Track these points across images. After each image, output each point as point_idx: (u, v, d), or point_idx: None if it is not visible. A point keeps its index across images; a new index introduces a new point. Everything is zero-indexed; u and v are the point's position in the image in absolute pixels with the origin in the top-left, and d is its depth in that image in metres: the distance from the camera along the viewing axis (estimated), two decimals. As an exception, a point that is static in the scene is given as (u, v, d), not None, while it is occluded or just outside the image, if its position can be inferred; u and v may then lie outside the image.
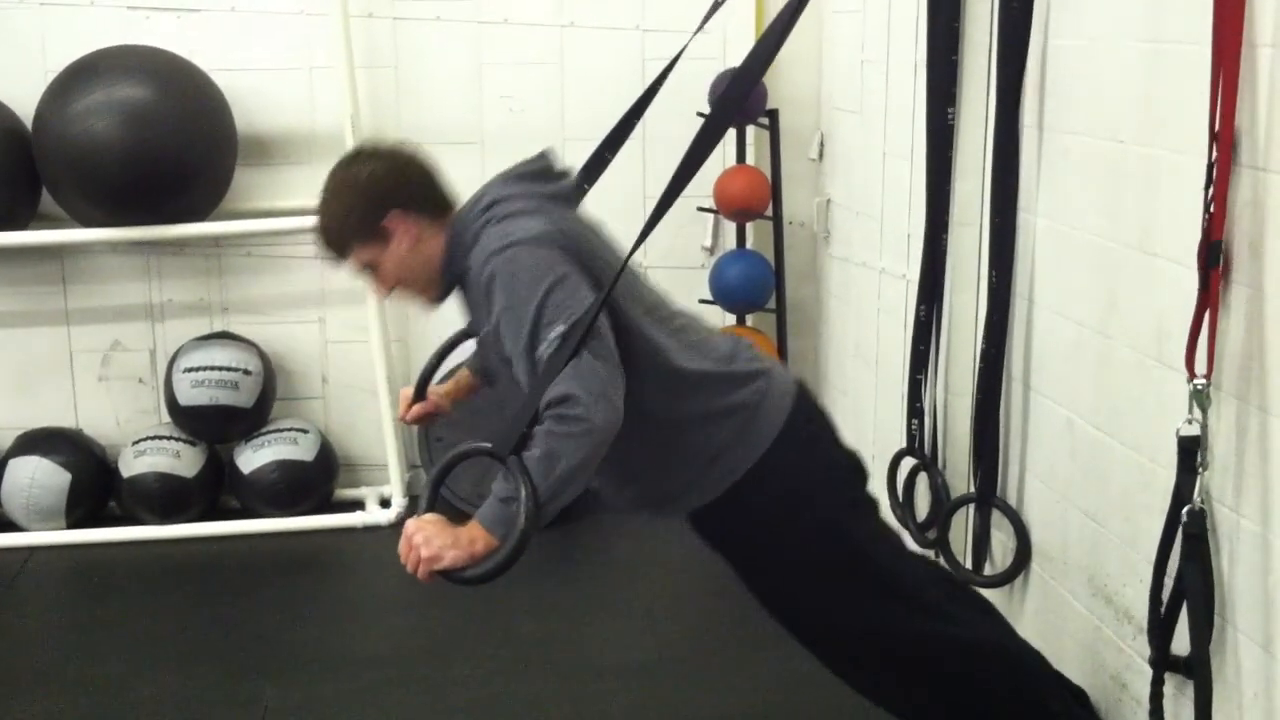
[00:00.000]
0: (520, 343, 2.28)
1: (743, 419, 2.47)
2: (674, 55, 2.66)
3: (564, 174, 2.56)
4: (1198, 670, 2.34)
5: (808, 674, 3.33)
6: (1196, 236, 2.30)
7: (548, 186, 2.50)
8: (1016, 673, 2.68)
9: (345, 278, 4.43)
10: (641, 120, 2.71)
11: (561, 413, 2.20)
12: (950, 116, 3.34)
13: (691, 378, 2.45)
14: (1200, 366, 2.31)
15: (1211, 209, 2.25)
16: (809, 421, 2.57)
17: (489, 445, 2.26)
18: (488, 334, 2.41)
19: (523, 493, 2.16)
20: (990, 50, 3.21)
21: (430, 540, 2.21)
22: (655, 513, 2.65)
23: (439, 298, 2.57)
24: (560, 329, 2.25)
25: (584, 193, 2.61)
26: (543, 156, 2.56)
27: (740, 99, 2.42)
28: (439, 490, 2.40)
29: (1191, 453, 2.35)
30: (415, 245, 2.49)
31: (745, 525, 2.55)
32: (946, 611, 2.64)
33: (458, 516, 2.25)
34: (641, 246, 2.37)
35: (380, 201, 2.47)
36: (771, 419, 2.49)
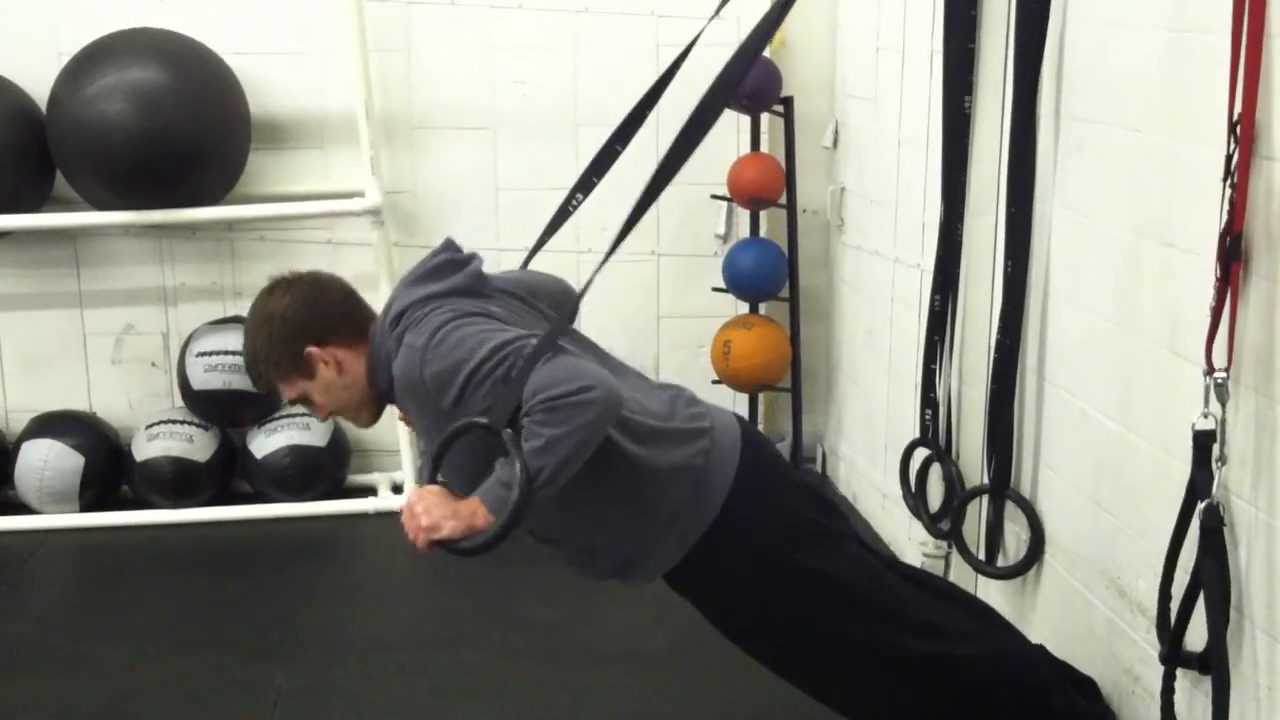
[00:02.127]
0: (493, 392, 2.29)
1: (691, 481, 2.46)
2: (688, 42, 2.64)
3: (470, 259, 2.54)
4: (1215, 666, 2.32)
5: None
6: (1214, 228, 2.28)
7: (455, 279, 2.48)
8: (1016, 678, 2.67)
9: (359, 262, 4.48)
10: (655, 108, 2.69)
11: (553, 392, 2.22)
12: (966, 105, 3.32)
13: (653, 429, 2.45)
14: (1219, 359, 2.29)
15: (1232, 201, 2.23)
16: (759, 470, 2.55)
17: (485, 420, 2.29)
18: (440, 442, 2.39)
19: (517, 468, 2.19)
20: (1007, 38, 3.19)
21: (430, 510, 2.27)
22: (625, 578, 2.64)
23: (375, 417, 2.61)
24: (530, 348, 2.28)
25: (593, 186, 2.60)
26: (446, 246, 2.55)
27: (730, 88, 2.38)
28: (440, 463, 2.42)
29: (1207, 447, 2.33)
30: (339, 374, 2.52)
31: (715, 584, 2.56)
32: (938, 627, 2.63)
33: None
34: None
35: (295, 337, 2.50)
36: (720, 477, 2.48)
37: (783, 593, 2.52)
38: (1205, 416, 2.32)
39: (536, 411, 2.22)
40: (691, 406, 2.56)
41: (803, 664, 2.62)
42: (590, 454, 2.29)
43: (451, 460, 2.38)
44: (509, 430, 2.23)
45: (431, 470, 2.43)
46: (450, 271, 2.49)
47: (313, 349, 2.49)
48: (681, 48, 2.66)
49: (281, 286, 2.57)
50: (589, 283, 2.32)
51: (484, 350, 2.31)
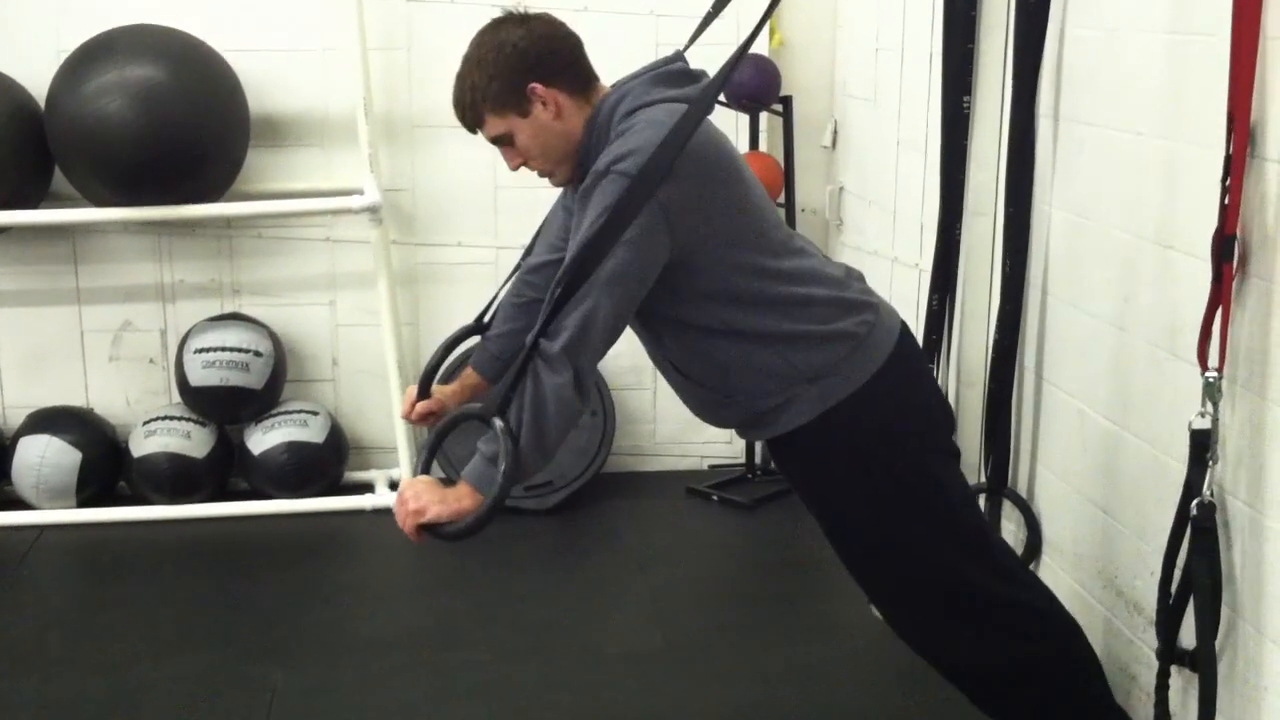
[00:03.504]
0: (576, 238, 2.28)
1: (848, 346, 2.44)
2: (684, 43, 2.65)
3: (700, 75, 2.49)
4: (1203, 664, 2.33)
5: (814, 665, 3.36)
6: (1212, 229, 2.29)
7: (685, 89, 2.43)
8: (1074, 646, 2.62)
9: (357, 260, 4.48)
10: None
11: (548, 364, 2.23)
12: (966, 105, 3.33)
13: (800, 298, 2.43)
14: (1213, 360, 2.30)
15: (1227, 202, 2.24)
16: (910, 362, 2.54)
17: (478, 407, 2.30)
18: (436, 431, 2.40)
19: (503, 449, 2.20)
20: (1007, 39, 3.20)
21: (419, 496, 2.27)
22: (749, 430, 2.62)
23: (569, 178, 2.50)
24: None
25: None
26: (678, 56, 2.50)
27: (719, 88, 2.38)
28: (434, 454, 2.44)
29: (1203, 446, 2.34)
30: (554, 119, 2.43)
31: (833, 455, 2.50)
32: (1015, 574, 2.61)
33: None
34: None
35: (525, 70, 2.40)
36: (876, 351, 2.46)
37: (894, 485, 2.47)
38: (1202, 416, 2.33)
39: (529, 374, 2.24)
40: (862, 283, 2.57)
41: (884, 568, 2.57)
42: (574, 423, 2.31)
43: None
44: (498, 420, 2.24)
45: (425, 460, 2.43)
46: (686, 81, 2.45)
47: (537, 85, 2.40)
48: (679, 47, 2.67)
49: (514, 19, 2.48)
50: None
51: (630, 219, 2.25)
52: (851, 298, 2.48)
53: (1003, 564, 2.59)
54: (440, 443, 2.43)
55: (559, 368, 2.24)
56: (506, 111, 2.42)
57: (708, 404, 2.58)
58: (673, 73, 2.46)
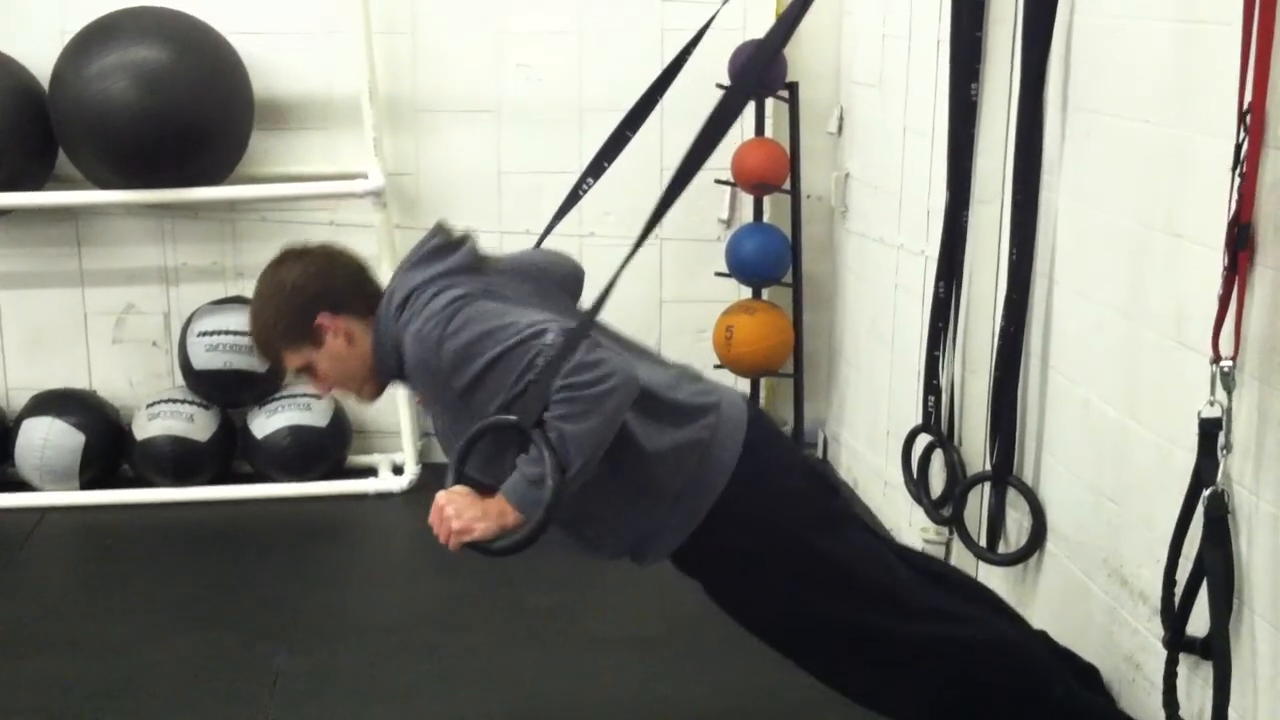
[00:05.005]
0: (509, 380, 2.29)
1: (699, 454, 2.46)
2: (697, 30, 2.65)
3: (464, 240, 2.53)
4: (1216, 652, 2.32)
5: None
6: (1222, 218, 2.28)
7: (453, 259, 2.47)
8: (1017, 663, 2.66)
9: (361, 244, 4.46)
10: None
11: (573, 380, 2.22)
12: (973, 92, 3.31)
13: (658, 405, 2.44)
14: (1226, 348, 2.29)
15: (1240, 190, 2.23)
16: (765, 448, 2.55)
17: (514, 418, 2.28)
18: (465, 440, 2.37)
19: (547, 466, 2.20)
20: (1015, 26, 3.18)
21: (461, 513, 2.28)
22: (635, 558, 2.63)
23: (378, 392, 2.59)
24: (551, 335, 2.27)
25: (603, 170, 2.59)
26: (438, 230, 2.54)
27: (759, 74, 2.38)
28: (465, 462, 2.40)
29: (1212, 435, 2.33)
30: (347, 345, 2.50)
31: (721, 563, 2.55)
32: (940, 610, 2.63)
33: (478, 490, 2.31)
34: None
35: (308, 305, 2.48)
36: (726, 453, 2.48)
37: (786, 573, 2.52)
38: (1211, 404, 2.32)
39: (558, 404, 2.23)
40: (697, 383, 2.56)
41: (805, 645, 2.62)
42: (611, 439, 2.30)
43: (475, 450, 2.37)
44: (538, 429, 2.23)
45: (457, 470, 2.40)
46: (447, 253, 2.48)
47: (324, 318, 2.48)
48: (686, 32, 2.66)
49: (293, 255, 2.55)
50: (613, 281, 2.29)
51: (504, 334, 2.30)
52: (686, 403, 2.48)
53: (933, 607, 2.62)
54: (470, 450, 2.38)
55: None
56: (300, 345, 2.51)
57: (587, 548, 2.61)
58: (430, 251, 2.49)
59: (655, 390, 2.45)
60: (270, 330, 2.53)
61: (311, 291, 2.49)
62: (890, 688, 2.64)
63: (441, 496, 2.32)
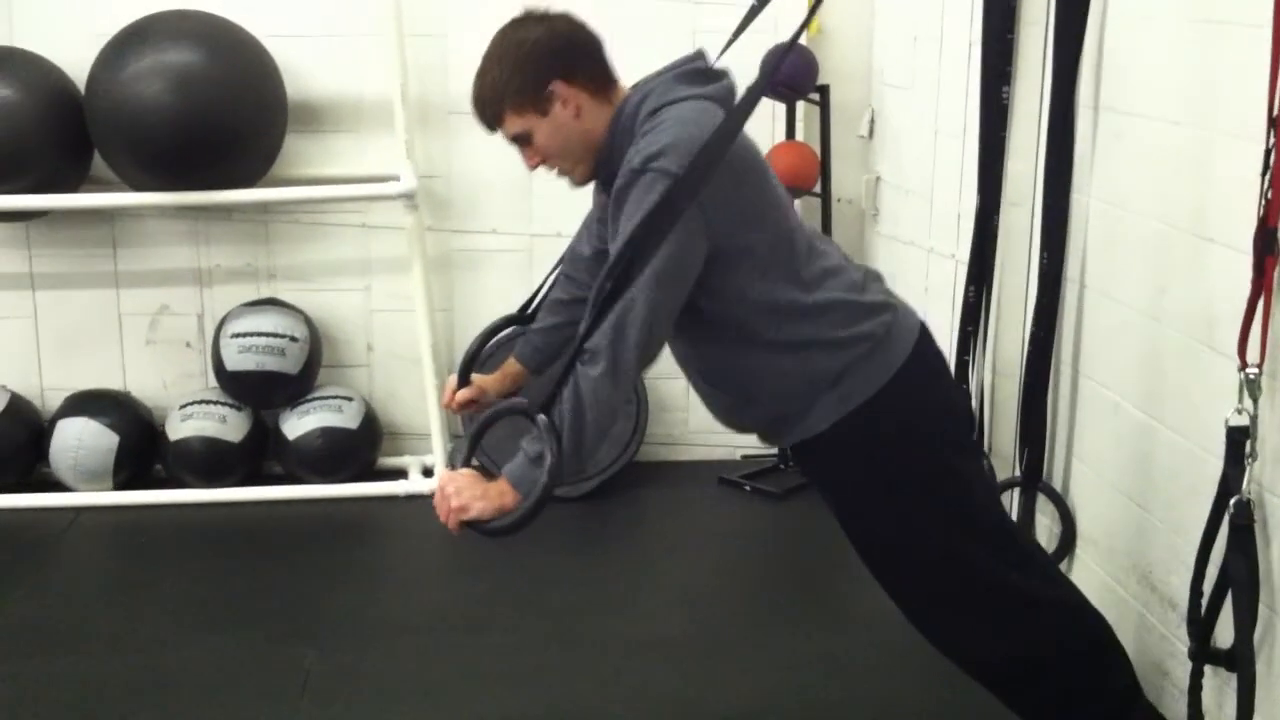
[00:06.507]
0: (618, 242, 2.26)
1: (867, 349, 2.43)
2: (731, 30, 2.64)
3: (722, 74, 2.48)
4: (1241, 663, 2.30)
5: (842, 654, 3.35)
6: (1251, 222, 2.26)
7: (707, 88, 2.42)
8: (1093, 637, 2.60)
9: (392, 246, 4.50)
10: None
11: (588, 362, 2.23)
12: (1005, 95, 3.30)
13: (820, 305, 2.42)
14: (1252, 355, 2.27)
15: (1269, 194, 2.21)
16: (929, 361, 2.53)
17: (523, 402, 2.30)
18: (478, 424, 2.39)
19: (547, 448, 2.21)
20: (1047, 28, 3.17)
21: (461, 491, 2.28)
22: (771, 434, 2.61)
23: (587, 178, 2.50)
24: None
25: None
26: (699, 55, 2.48)
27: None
28: (476, 447, 2.43)
29: (1240, 443, 2.31)
30: (574, 118, 2.41)
31: (853, 457, 2.49)
32: (1041, 570, 2.60)
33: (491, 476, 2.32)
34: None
35: (546, 67, 2.39)
36: (894, 353, 2.45)
37: (916, 481, 2.47)
38: (1239, 412, 2.30)
39: (576, 371, 2.24)
40: (879, 283, 2.56)
41: (905, 566, 2.56)
42: (613, 424, 2.30)
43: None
44: (543, 416, 2.24)
45: (467, 453, 2.43)
46: (707, 80, 2.43)
47: (558, 85, 2.39)
48: (718, 34, 2.66)
49: (535, 17, 2.47)
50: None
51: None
52: (870, 300, 2.47)
53: (1028, 560, 2.58)
54: (482, 436, 2.42)
55: (603, 369, 2.23)
56: (526, 109, 2.41)
57: (729, 409, 2.58)
58: (694, 71, 2.44)
59: (844, 284, 2.45)
60: (499, 88, 2.41)
61: (553, 54, 2.40)
62: (972, 631, 2.56)
63: (445, 477, 2.33)
